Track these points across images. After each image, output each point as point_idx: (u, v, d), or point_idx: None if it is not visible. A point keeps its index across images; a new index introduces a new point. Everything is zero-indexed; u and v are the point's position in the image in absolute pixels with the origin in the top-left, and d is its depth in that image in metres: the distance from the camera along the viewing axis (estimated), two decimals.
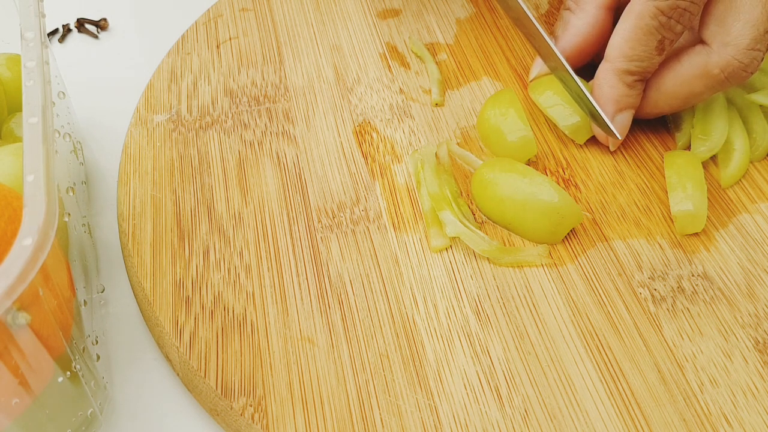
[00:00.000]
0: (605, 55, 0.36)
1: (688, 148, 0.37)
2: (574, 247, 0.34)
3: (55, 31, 0.48)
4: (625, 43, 0.35)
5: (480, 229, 0.34)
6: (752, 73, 0.35)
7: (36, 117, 0.24)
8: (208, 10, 0.45)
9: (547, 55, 0.41)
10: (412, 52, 0.43)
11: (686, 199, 0.34)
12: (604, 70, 0.37)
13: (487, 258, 0.33)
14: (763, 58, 0.34)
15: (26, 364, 0.24)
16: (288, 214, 0.35)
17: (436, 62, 0.42)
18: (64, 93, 0.37)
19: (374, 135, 0.38)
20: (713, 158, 0.37)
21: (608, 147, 0.38)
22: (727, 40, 0.34)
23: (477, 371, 0.29)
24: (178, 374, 0.31)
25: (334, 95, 0.41)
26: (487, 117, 0.37)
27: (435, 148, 0.37)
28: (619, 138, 0.37)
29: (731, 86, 0.35)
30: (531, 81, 0.40)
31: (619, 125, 0.37)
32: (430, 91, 0.41)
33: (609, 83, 0.36)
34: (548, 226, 0.33)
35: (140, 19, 0.49)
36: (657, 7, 0.33)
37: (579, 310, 0.31)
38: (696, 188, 0.34)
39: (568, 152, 0.38)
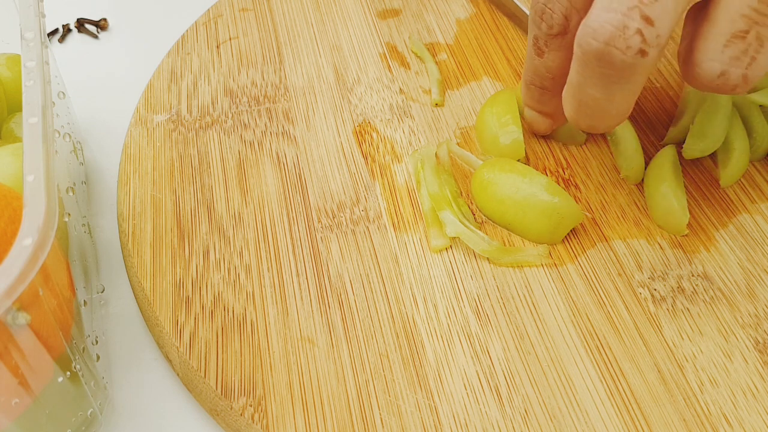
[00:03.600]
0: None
1: (681, 143, 0.37)
2: (574, 247, 0.34)
3: (55, 31, 0.48)
4: None
5: (480, 229, 0.34)
6: (613, 47, 0.26)
7: (36, 117, 0.24)
8: (208, 10, 0.45)
9: None
10: (412, 52, 0.43)
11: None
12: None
13: (487, 258, 0.33)
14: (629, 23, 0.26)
15: (26, 364, 0.24)
16: (288, 214, 0.35)
17: (436, 62, 0.42)
18: (64, 93, 0.37)
19: (374, 135, 0.38)
20: (713, 158, 0.37)
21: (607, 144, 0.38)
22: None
23: (477, 371, 0.29)
24: (178, 374, 0.31)
25: (334, 95, 0.41)
26: (484, 117, 0.37)
27: (435, 148, 0.37)
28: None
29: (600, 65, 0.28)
30: None
31: (530, 120, 0.37)
32: (430, 91, 0.41)
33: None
34: (548, 226, 0.33)
35: (140, 19, 0.49)
36: (534, 8, 0.31)
37: (579, 310, 0.31)
38: (672, 189, 0.34)
39: (568, 152, 0.38)
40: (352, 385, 0.29)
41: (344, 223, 0.34)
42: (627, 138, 0.37)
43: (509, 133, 0.36)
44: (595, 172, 0.37)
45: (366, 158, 0.37)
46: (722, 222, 0.35)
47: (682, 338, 0.31)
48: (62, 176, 0.32)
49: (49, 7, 0.48)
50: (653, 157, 0.36)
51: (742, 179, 0.36)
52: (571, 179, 0.37)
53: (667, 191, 0.34)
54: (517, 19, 0.43)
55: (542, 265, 0.33)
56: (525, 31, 0.43)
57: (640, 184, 0.36)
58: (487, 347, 0.30)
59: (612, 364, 0.30)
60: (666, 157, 0.35)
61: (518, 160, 0.36)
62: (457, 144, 0.38)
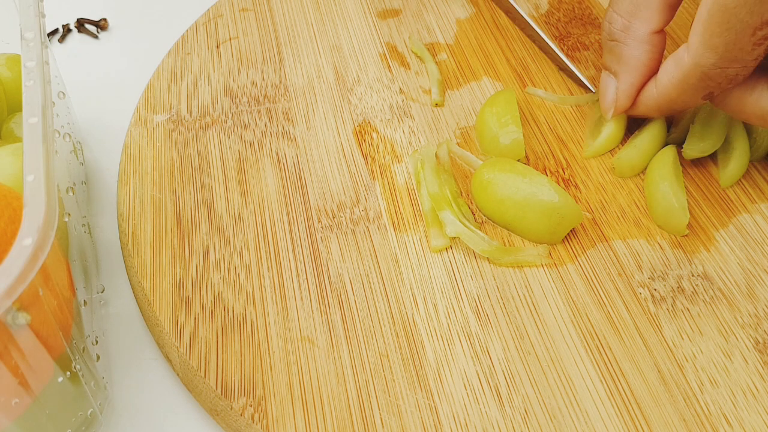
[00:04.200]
0: (657, 81, 0.35)
1: (681, 143, 0.37)
2: (574, 247, 0.34)
3: (55, 31, 0.48)
4: (672, 90, 0.34)
5: (480, 229, 0.34)
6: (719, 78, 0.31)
7: (36, 117, 0.24)
8: (208, 10, 0.45)
9: (549, 52, 0.41)
10: (412, 52, 0.43)
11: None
12: (648, 97, 0.35)
13: (487, 258, 0.33)
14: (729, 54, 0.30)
15: (26, 364, 0.24)
16: (288, 214, 0.35)
17: (436, 62, 0.42)
18: (64, 93, 0.37)
19: (374, 135, 0.38)
20: (713, 158, 0.37)
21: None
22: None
23: (477, 371, 0.29)
24: (178, 374, 0.31)
25: (334, 95, 0.41)
26: (484, 117, 0.37)
27: (435, 148, 0.37)
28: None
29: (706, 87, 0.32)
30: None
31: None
32: (430, 91, 0.41)
33: (649, 106, 0.36)
34: (548, 226, 0.33)
35: (140, 19, 0.49)
36: (704, 72, 0.31)
37: (579, 310, 0.31)
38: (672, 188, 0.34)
39: (568, 152, 0.38)
40: (352, 385, 0.29)
41: (344, 223, 0.34)
42: (644, 134, 0.37)
43: (509, 133, 0.36)
44: (595, 172, 0.37)
45: (366, 158, 0.37)
46: (722, 222, 0.35)
47: (682, 338, 0.31)
48: (62, 176, 0.32)
49: (49, 7, 0.48)
50: (653, 156, 0.36)
51: (742, 179, 0.36)
52: (571, 179, 0.37)
53: (667, 191, 0.34)
54: (512, 14, 0.43)
55: (542, 265, 0.33)
56: (520, 26, 0.44)
57: (641, 184, 0.36)
58: (487, 347, 0.30)
59: (612, 364, 0.30)
60: (666, 157, 0.35)
61: (518, 160, 0.36)
62: (457, 144, 0.38)
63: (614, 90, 0.36)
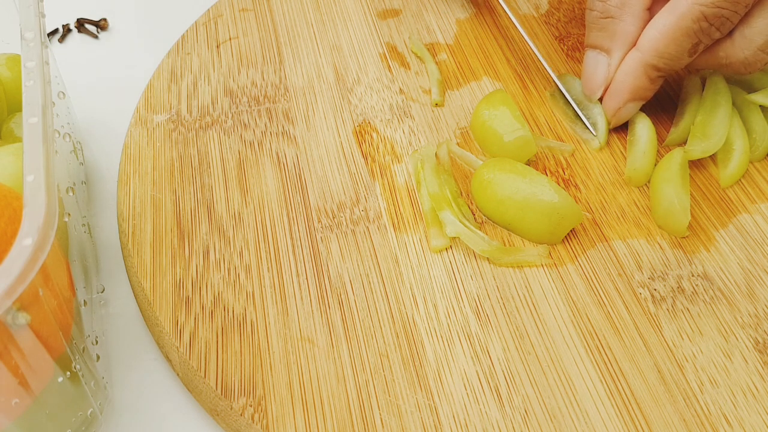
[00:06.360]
0: (638, 43, 0.36)
1: (683, 144, 0.37)
2: (574, 247, 0.34)
3: (55, 31, 0.48)
4: (660, 39, 0.34)
5: (480, 229, 0.34)
6: (749, 73, 0.35)
7: (36, 117, 0.24)
8: (208, 10, 0.45)
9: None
10: (412, 52, 0.43)
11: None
12: (632, 59, 0.36)
13: (487, 258, 0.33)
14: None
15: (26, 364, 0.24)
16: (288, 214, 0.35)
17: (436, 62, 0.42)
18: (64, 93, 0.37)
19: (374, 135, 0.38)
20: (713, 158, 0.37)
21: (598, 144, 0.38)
22: (745, 33, 0.34)
23: (477, 371, 0.29)
24: (178, 374, 0.31)
25: (334, 95, 0.41)
26: (482, 119, 0.37)
27: (435, 148, 0.37)
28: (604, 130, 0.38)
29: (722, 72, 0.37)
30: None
31: (625, 114, 0.37)
32: (430, 91, 0.41)
33: (633, 73, 0.36)
34: (548, 226, 0.33)
35: (140, 19, 0.49)
36: (702, 12, 0.33)
37: (579, 310, 0.31)
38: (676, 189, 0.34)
39: (569, 152, 0.38)
40: (352, 385, 0.29)
41: (344, 223, 0.34)
42: (644, 139, 0.37)
43: (513, 131, 0.36)
44: (595, 172, 0.37)
45: (366, 158, 0.37)
46: (722, 222, 0.35)
47: (682, 338, 0.31)
48: (62, 176, 0.32)
49: (49, 7, 0.48)
50: (660, 158, 0.36)
51: (742, 179, 0.36)
52: (571, 179, 0.37)
53: (671, 192, 0.34)
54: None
55: (542, 265, 0.33)
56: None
57: (641, 185, 0.36)
58: (487, 347, 0.30)
59: (612, 364, 0.30)
60: (674, 159, 0.35)
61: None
62: (457, 144, 0.38)
63: (606, 68, 0.37)
